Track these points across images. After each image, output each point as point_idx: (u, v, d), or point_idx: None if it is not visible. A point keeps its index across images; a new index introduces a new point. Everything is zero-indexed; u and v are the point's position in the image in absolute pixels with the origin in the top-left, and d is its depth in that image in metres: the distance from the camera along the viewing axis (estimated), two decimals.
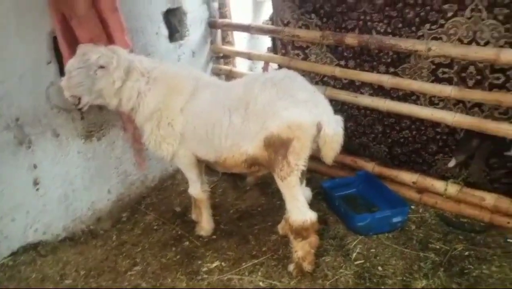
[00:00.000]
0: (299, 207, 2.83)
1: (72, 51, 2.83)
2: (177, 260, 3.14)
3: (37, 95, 2.97)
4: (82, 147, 3.32)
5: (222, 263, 3.08)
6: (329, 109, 2.76)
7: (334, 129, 2.68)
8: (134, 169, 3.76)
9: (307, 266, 2.92)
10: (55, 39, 2.99)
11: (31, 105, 2.94)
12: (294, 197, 2.82)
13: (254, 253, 3.17)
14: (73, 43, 2.89)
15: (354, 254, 3.12)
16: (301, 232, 2.83)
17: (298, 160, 2.71)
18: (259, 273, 2.97)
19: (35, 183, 3.07)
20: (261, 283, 2.88)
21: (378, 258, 3.09)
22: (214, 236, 3.37)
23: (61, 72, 3.07)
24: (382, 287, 2.83)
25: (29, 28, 2.84)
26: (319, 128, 2.66)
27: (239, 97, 2.80)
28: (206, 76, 3.24)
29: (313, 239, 2.90)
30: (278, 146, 2.67)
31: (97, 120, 3.38)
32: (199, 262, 3.10)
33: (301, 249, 2.88)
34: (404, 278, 2.90)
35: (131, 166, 3.73)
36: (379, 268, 3.00)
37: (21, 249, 3.07)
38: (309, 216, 2.82)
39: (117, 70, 2.80)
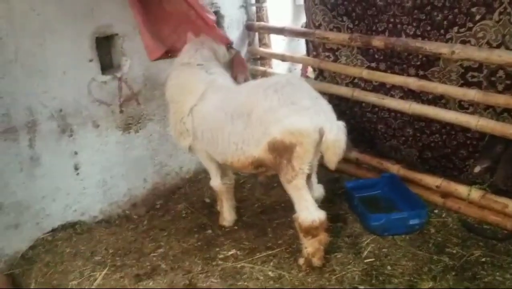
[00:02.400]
0: (307, 207, 2.90)
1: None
2: (198, 246, 3.36)
3: (79, 90, 3.34)
4: (120, 138, 3.66)
5: (238, 252, 3.26)
6: (331, 115, 2.81)
7: (335, 135, 2.73)
8: (170, 160, 4.05)
9: (316, 262, 3.01)
10: (97, 39, 3.35)
11: (73, 98, 3.31)
12: (301, 197, 2.90)
13: (270, 245, 3.31)
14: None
15: (366, 252, 3.17)
16: (310, 231, 2.91)
17: (302, 164, 2.79)
18: (271, 264, 3.11)
19: (76, 168, 3.45)
20: (270, 273, 3.02)
21: (388, 257, 3.12)
22: (236, 227, 3.56)
23: (102, 69, 3.46)
24: (387, 286, 2.87)
25: (74, 29, 3.22)
26: (321, 134, 2.73)
27: (242, 103, 2.92)
28: (221, 79, 3.31)
29: (323, 236, 2.96)
30: (282, 150, 2.76)
31: (135, 114, 3.71)
32: (217, 249, 3.31)
33: (311, 246, 2.97)
34: (412, 278, 2.91)
35: (167, 158, 4.03)
36: (388, 267, 3.03)
37: (60, 226, 3.47)
38: (318, 215, 2.89)
39: None
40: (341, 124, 2.79)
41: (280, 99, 2.76)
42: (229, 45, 3.55)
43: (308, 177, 2.92)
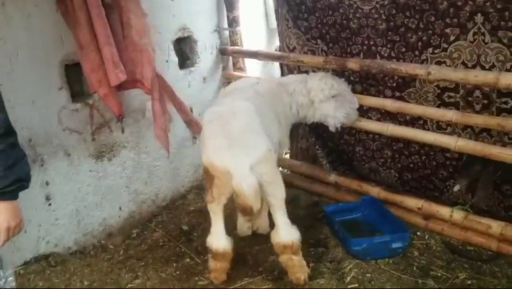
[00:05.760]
0: (213, 233, 3.09)
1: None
2: (176, 276, 3.26)
3: (49, 118, 3.23)
4: (93, 166, 3.55)
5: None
6: (249, 159, 2.74)
7: (236, 184, 2.67)
8: (145, 188, 3.95)
9: (214, 280, 3.17)
10: (66, 67, 3.27)
11: (43, 128, 3.20)
12: (213, 222, 3.07)
13: (250, 273, 3.22)
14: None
15: (349, 278, 3.10)
16: (214, 256, 3.07)
17: (219, 194, 2.89)
18: None
19: (47, 198, 3.31)
20: None
21: (372, 282, 3.06)
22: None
23: (72, 97, 3.37)
24: None
25: (42, 57, 3.13)
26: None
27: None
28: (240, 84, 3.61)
29: (220, 264, 3.10)
30: (207, 176, 2.93)
31: (108, 141, 3.60)
32: (196, 278, 3.20)
33: (211, 264, 3.16)
34: None
35: (142, 186, 3.92)
36: None
37: (33, 259, 3.30)
38: (218, 243, 3.04)
39: None
40: (253, 177, 2.70)
41: (211, 130, 2.95)
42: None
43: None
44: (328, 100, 3.59)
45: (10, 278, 2.28)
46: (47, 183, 3.30)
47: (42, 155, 3.23)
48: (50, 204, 3.34)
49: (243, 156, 2.74)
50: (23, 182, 2.11)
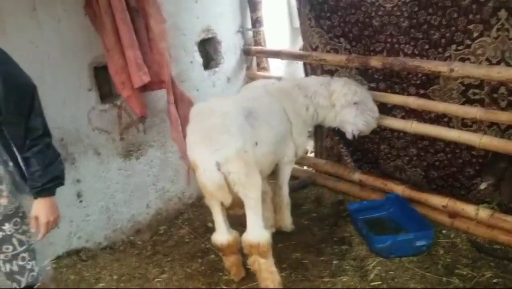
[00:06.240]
0: (215, 229, 3.14)
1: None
2: (201, 271, 3.34)
3: (80, 119, 3.38)
4: (121, 165, 3.67)
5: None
6: (215, 157, 2.75)
7: (201, 178, 2.78)
8: (172, 186, 4.05)
9: (233, 276, 3.21)
10: (95, 69, 3.41)
11: (74, 127, 3.35)
12: (213, 216, 3.11)
13: None
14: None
15: (372, 275, 3.11)
16: (220, 250, 3.16)
17: (202, 188, 2.92)
18: None
19: (78, 195, 3.46)
20: None
21: (396, 280, 3.05)
22: None
23: (101, 98, 3.51)
24: None
25: (72, 60, 3.27)
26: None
27: None
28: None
29: (234, 258, 3.15)
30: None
31: (135, 141, 3.72)
32: (220, 274, 3.28)
33: (226, 261, 3.20)
34: None
35: (169, 184, 4.03)
36: None
37: (65, 253, 3.46)
38: (222, 238, 3.08)
39: None
40: (210, 171, 2.75)
41: (190, 126, 3.00)
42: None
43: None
44: (350, 106, 3.57)
45: (48, 268, 2.44)
46: (78, 181, 3.44)
47: (73, 154, 3.37)
48: (81, 201, 3.48)
49: (210, 153, 2.76)
50: (60, 179, 2.30)
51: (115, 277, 3.34)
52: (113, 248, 3.69)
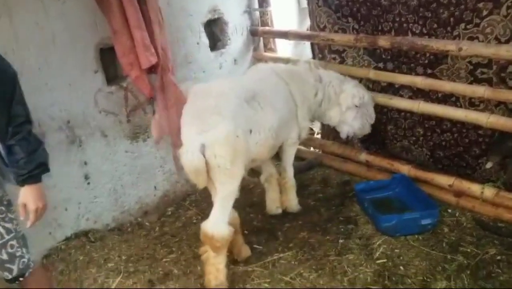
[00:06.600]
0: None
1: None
2: None
3: (86, 101, 3.38)
4: (129, 147, 3.69)
5: (249, 256, 3.25)
6: (201, 138, 2.70)
7: (182, 157, 2.72)
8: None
9: (236, 256, 3.22)
10: (101, 51, 3.40)
11: (80, 110, 3.36)
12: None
13: (280, 249, 3.31)
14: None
15: (378, 253, 3.15)
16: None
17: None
18: (282, 267, 3.11)
19: (86, 177, 3.48)
20: (281, 276, 3.02)
21: (401, 258, 3.09)
22: (246, 231, 3.51)
23: (107, 80, 3.51)
24: (400, 287, 2.83)
25: (78, 41, 3.26)
26: None
27: None
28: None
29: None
30: None
31: (142, 123, 3.73)
32: (228, 253, 3.29)
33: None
34: (425, 278, 2.88)
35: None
36: (401, 267, 3.00)
37: (73, 235, 3.50)
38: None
39: None
40: (192, 152, 2.67)
41: (185, 107, 2.94)
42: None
43: None
44: (352, 109, 3.64)
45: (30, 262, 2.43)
46: (85, 163, 3.46)
47: (80, 136, 3.39)
48: (89, 183, 3.51)
49: (196, 133, 2.72)
50: (45, 166, 2.27)
51: (123, 257, 3.37)
52: (121, 229, 3.73)
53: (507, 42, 3.08)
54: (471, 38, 3.23)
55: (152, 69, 3.41)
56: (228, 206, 2.89)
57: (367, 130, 3.83)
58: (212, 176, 2.80)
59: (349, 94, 3.60)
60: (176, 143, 3.36)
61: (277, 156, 3.60)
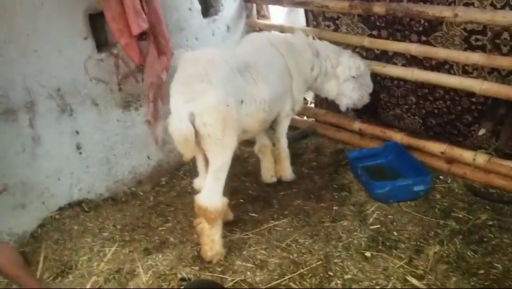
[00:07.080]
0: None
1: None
2: None
3: (76, 68, 3.29)
4: (121, 116, 3.63)
5: (245, 224, 3.28)
6: (189, 106, 2.66)
7: (171, 126, 2.71)
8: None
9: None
10: (90, 16, 3.29)
11: (71, 77, 3.27)
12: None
13: (276, 216, 3.33)
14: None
15: (371, 219, 3.20)
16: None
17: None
18: (278, 234, 3.14)
19: (78, 147, 3.43)
20: (276, 242, 3.05)
21: (394, 224, 3.15)
22: (242, 200, 3.56)
23: (98, 47, 3.41)
24: (393, 251, 2.88)
25: (66, 6, 3.15)
26: None
27: None
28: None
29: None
30: None
31: (134, 91, 3.66)
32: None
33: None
34: (418, 243, 2.95)
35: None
36: (394, 233, 3.06)
37: (67, 205, 3.47)
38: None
39: None
40: (180, 120, 2.64)
41: (175, 75, 2.86)
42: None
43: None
44: (349, 80, 3.62)
45: None
46: (77, 132, 3.40)
47: (71, 104, 3.32)
48: (81, 153, 3.46)
49: (184, 101, 2.68)
50: None
51: (118, 227, 3.37)
52: (115, 199, 3.71)
53: (502, 8, 3.07)
54: (466, 4, 3.21)
55: (143, 35, 3.33)
56: (222, 177, 2.86)
57: (366, 99, 3.82)
58: (204, 146, 2.77)
59: (345, 66, 3.58)
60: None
61: (271, 126, 3.59)
